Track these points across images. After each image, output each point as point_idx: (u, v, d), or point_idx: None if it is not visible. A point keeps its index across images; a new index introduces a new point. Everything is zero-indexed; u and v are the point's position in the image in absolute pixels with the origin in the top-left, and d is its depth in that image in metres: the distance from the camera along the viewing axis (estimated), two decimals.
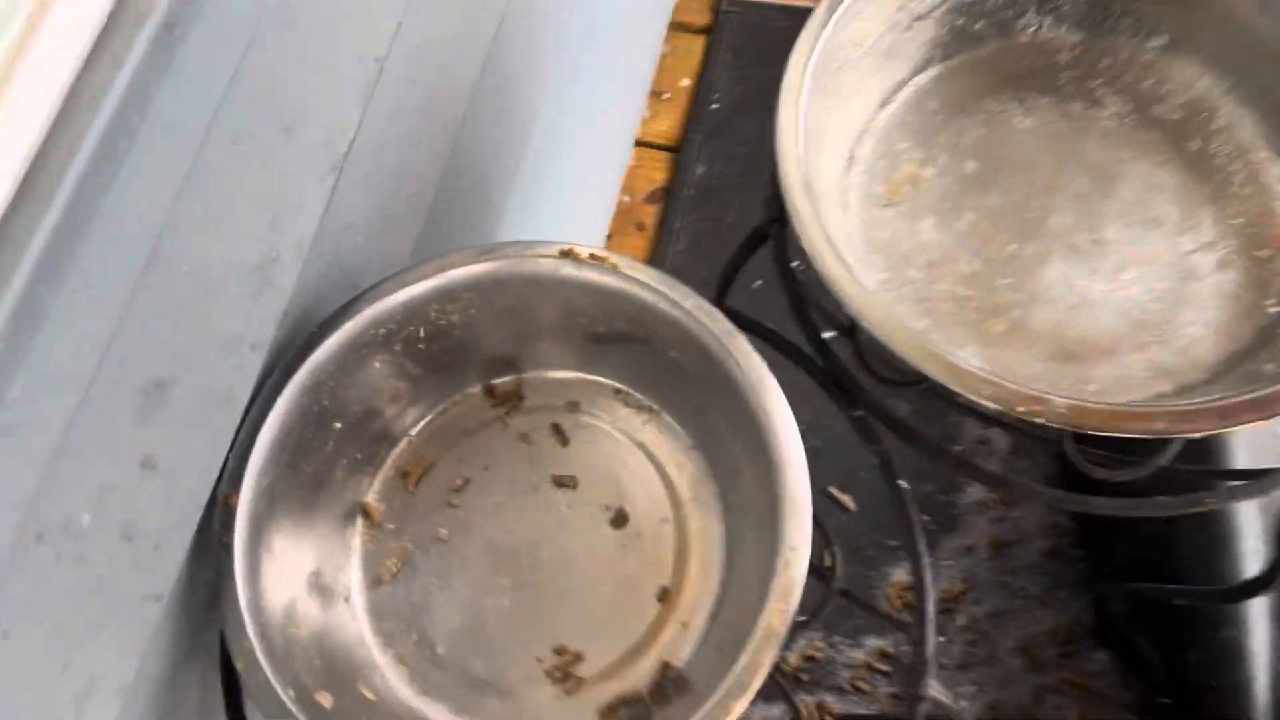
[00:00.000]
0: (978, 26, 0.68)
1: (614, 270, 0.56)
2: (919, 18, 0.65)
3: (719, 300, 0.67)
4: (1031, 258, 0.61)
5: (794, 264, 0.63)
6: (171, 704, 0.52)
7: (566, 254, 0.57)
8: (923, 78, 0.69)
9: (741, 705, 0.46)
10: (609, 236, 1.12)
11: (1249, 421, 0.46)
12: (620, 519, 0.59)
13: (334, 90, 0.55)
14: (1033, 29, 0.68)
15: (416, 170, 0.67)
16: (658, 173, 1.14)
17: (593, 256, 0.56)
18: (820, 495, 0.95)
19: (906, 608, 0.93)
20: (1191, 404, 0.47)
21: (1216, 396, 0.48)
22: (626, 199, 1.13)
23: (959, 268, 0.62)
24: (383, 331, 0.57)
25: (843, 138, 0.66)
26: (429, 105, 0.67)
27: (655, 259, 1.10)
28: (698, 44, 1.20)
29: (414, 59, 0.63)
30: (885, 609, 0.93)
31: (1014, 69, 0.68)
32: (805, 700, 0.90)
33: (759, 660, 0.47)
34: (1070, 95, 0.67)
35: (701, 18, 1.21)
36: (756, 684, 0.47)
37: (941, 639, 0.91)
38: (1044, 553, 0.93)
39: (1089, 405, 0.48)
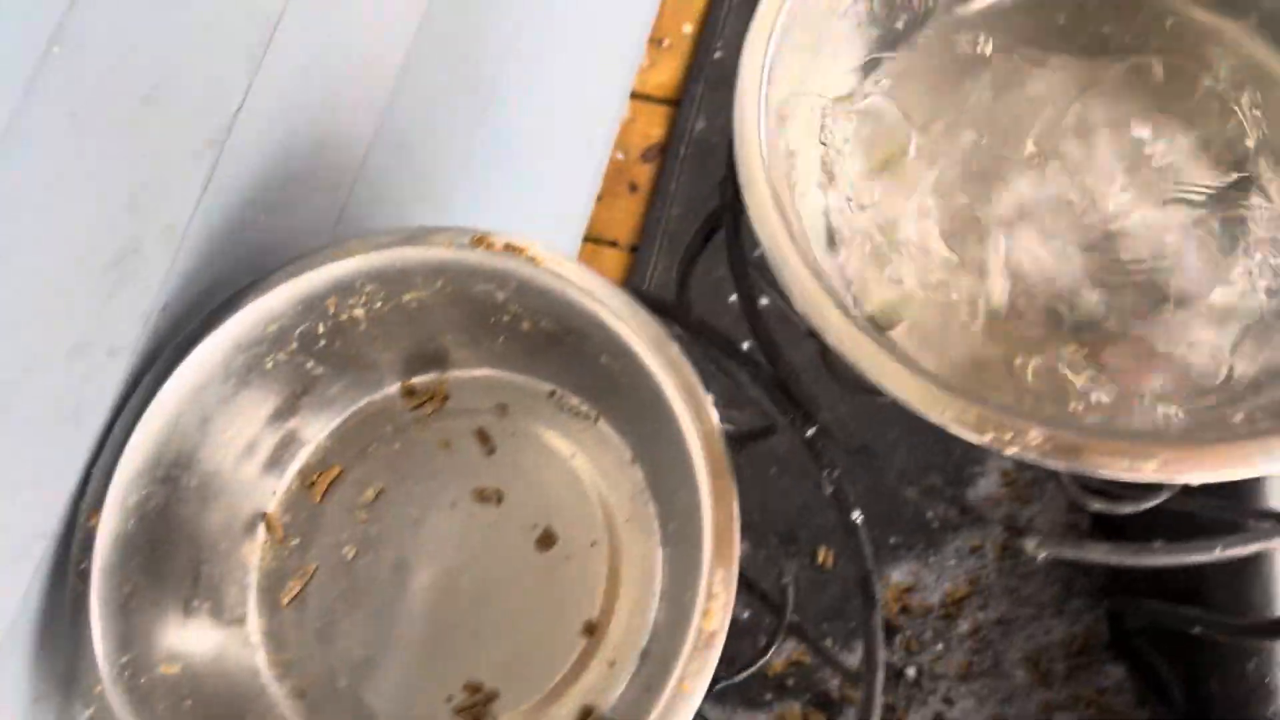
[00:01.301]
0: None
1: (533, 262, 0.49)
2: None
3: (679, 293, 0.59)
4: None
5: (757, 252, 0.55)
6: None
7: (479, 241, 0.49)
8: (921, 33, 0.59)
9: None
10: (599, 197, 1.03)
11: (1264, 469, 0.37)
12: (547, 540, 0.53)
13: (209, 51, 0.48)
14: None
15: (337, 139, 0.59)
16: (655, 128, 1.05)
17: (509, 246, 0.49)
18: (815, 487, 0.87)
19: (904, 611, 0.86)
20: (1194, 442, 0.39)
21: (1228, 433, 0.39)
22: (620, 156, 1.05)
23: (945, 253, 0.54)
24: (273, 329, 0.50)
25: (820, 101, 0.57)
26: (350, 60, 0.60)
27: (648, 223, 1.02)
28: None
29: (324, 8, 0.55)
30: (886, 608, 0.85)
31: (1023, 27, 0.58)
32: (790, 707, 0.84)
33: None
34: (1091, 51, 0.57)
35: None
36: None
37: (939, 647, 0.84)
38: (1058, 556, 0.85)
39: (1069, 437, 0.40)
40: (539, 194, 0.93)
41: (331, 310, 0.51)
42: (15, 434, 0.40)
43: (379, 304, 0.51)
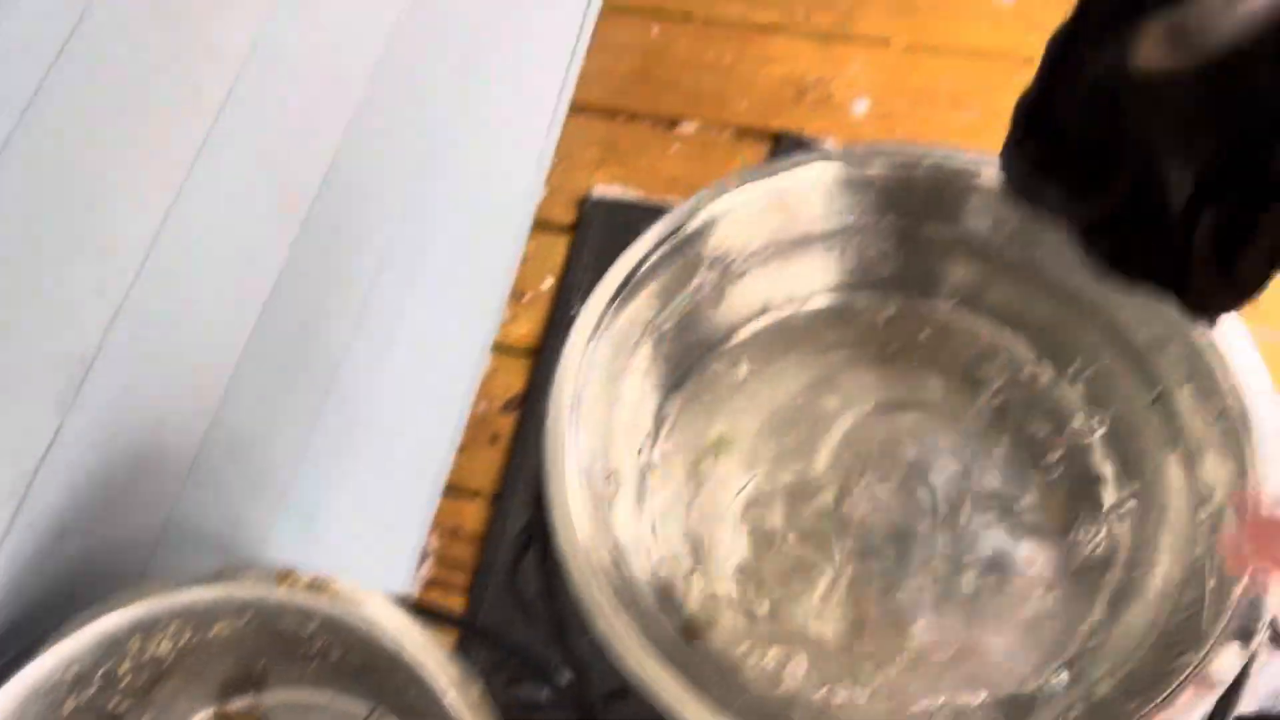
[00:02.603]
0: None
1: (336, 599, 0.49)
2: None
3: (510, 593, 0.60)
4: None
5: None
6: None
7: (283, 579, 0.50)
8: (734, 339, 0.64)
9: None
10: (461, 449, 1.05)
11: None
12: None
13: (8, 405, 0.49)
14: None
15: (162, 451, 0.60)
16: (516, 379, 1.09)
17: (312, 584, 0.50)
18: None
19: None
20: None
21: None
22: (483, 407, 1.07)
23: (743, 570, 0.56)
24: (74, 671, 0.49)
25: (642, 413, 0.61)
26: (177, 374, 0.61)
27: (509, 474, 1.04)
28: (561, 243, 1.16)
29: (147, 337, 0.57)
30: None
31: (830, 335, 0.63)
32: None
33: None
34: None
35: (566, 215, 1.18)
36: None
37: None
38: None
39: None
40: (395, 454, 0.94)
41: (135, 649, 0.50)
42: None
43: (186, 638, 0.51)
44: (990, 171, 0.54)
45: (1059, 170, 0.37)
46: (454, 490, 1.04)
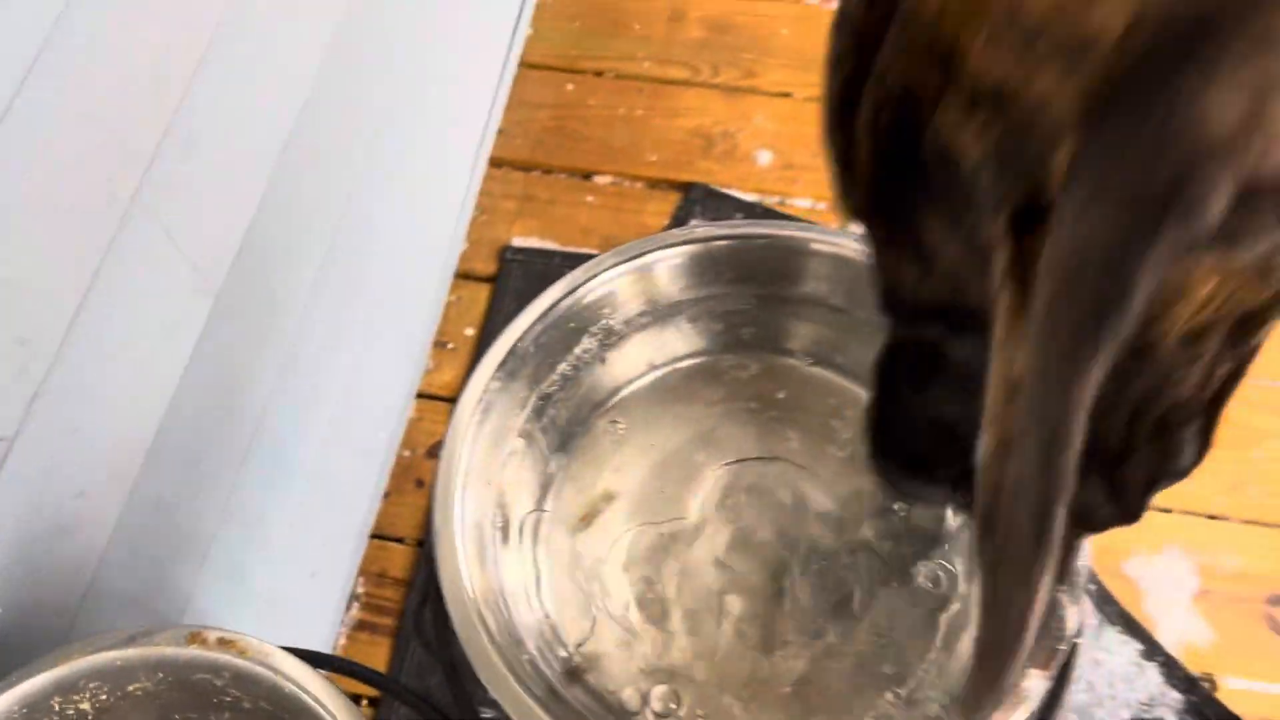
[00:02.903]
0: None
1: (243, 654, 0.54)
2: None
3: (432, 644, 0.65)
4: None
5: None
6: None
7: (194, 639, 0.54)
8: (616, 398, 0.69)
9: None
10: (386, 495, 1.10)
11: None
12: None
13: None
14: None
15: (80, 523, 0.64)
16: (439, 425, 1.13)
17: (221, 641, 0.54)
18: None
19: None
20: None
21: None
22: (407, 454, 1.12)
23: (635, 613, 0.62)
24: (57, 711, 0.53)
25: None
26: (92, 455, 0.65)
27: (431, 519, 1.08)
28: (483, 292, 1.21)
29: (55, 429, 0.62)
30: None
31: (704, 392, 0.69)
32: None
33: None
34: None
35: (487, 266, 1.23)
36: None
37: None
38: None
39: None
40: (321, 502, 0.99)
41: (56, 708, 0.55)
42: None
43: (104, 696, 0.55)
44: (817, 238, 0.61)
45: (912, 468, 0.46)
46: (380, 536, 1.08)
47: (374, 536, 1.08)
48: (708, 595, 0.62)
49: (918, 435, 0.47)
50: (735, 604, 0.61)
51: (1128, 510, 0.42)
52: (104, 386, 0.65)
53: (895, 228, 0.39)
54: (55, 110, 0.58)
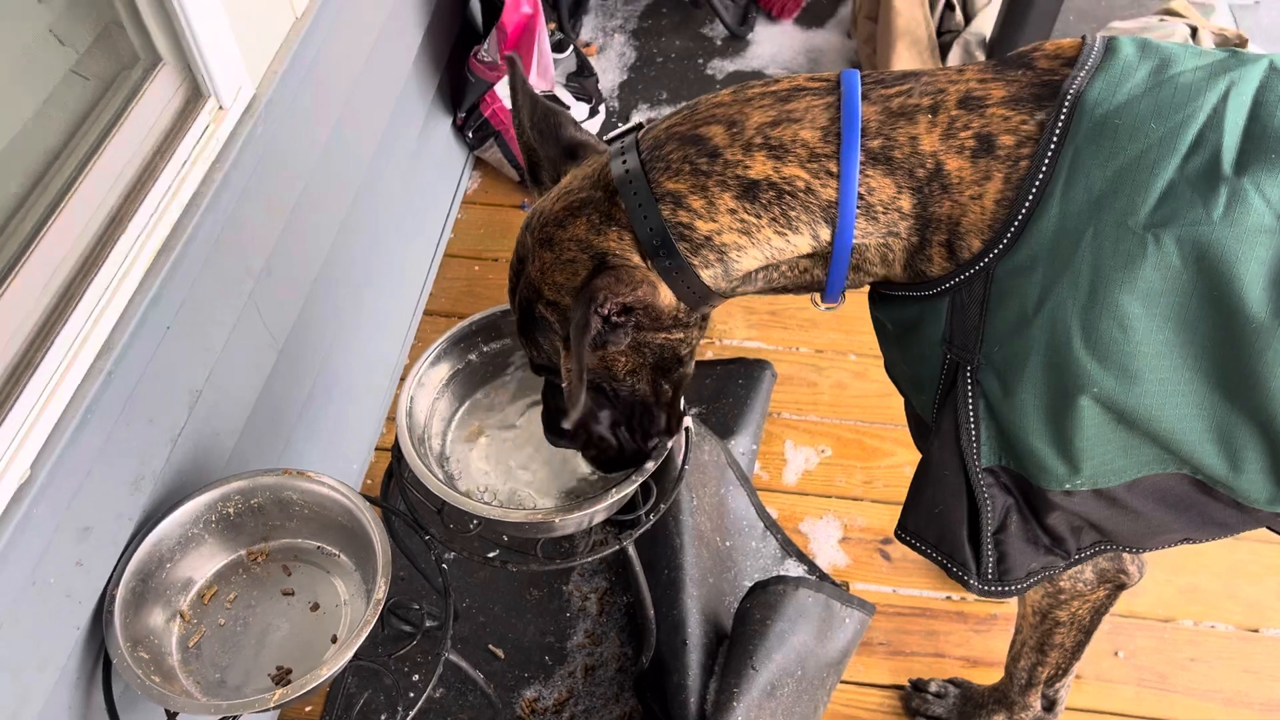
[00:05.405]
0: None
1: (308, 480, 1.20)
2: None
3: (384, 494, 1.31)
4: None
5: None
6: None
7: (286, 473, 1.21)
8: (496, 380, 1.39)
9: None
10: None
11: None
12: (316, 607, 1.19)
13: None
14: None
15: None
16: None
17: (299, 473, 1.21)
18: (482, 650, 1.54)
19: (533, 713, 1.50)
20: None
21: None
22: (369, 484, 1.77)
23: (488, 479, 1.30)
24: (203, 507, 1.18)
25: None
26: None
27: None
28: None
29: None
30: (520, 713, 1.49)
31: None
32: None
33: None
34: None
35: None
36: None
37: None
38: (616, 670, 1.53)
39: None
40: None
41: (219, 509, 1.19)
42: (90, 542, 1.06)
43: (240, 505, 1.20)
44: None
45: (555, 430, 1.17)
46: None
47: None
48: (517, 451, 1.30)
49: (555, 415, 1.16)
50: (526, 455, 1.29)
51: (662, 432, 1.14)
52: (239, 392, 1.33)
53: (529, 340, 1.10)
54: (214, 251, 1.30)
